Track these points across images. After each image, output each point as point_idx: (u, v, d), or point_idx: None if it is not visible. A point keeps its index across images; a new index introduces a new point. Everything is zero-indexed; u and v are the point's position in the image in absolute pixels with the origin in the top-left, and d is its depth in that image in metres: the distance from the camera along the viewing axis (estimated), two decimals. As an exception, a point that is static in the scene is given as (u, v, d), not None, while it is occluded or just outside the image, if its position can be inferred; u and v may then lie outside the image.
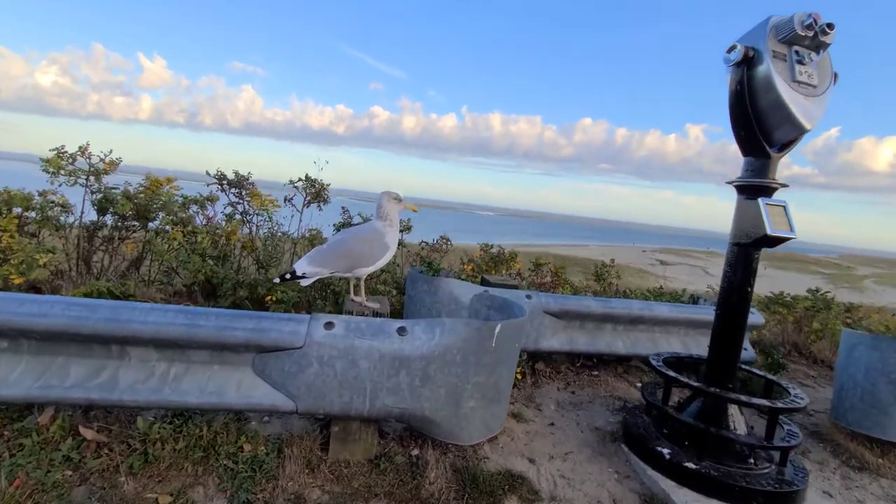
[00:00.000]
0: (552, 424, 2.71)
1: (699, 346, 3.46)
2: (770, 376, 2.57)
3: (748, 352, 3.55)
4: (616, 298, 3.39)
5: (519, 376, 3.10)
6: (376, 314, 2.23)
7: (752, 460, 2.21)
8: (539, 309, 3.13)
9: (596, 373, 3.52)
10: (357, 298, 2.34)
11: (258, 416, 2.27)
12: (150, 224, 3.58)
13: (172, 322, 1.78)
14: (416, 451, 2.21)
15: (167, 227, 3.40)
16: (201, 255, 3.24)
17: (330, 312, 2.98)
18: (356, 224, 3.80)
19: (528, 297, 3.16)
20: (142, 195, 3.31)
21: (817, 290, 4.59)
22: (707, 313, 3.44)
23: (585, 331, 3.33)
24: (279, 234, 4.10)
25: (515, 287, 3.27)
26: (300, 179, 4.35)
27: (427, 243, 4.41)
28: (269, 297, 2.92)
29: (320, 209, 4.48)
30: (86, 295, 2.83)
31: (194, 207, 3.70)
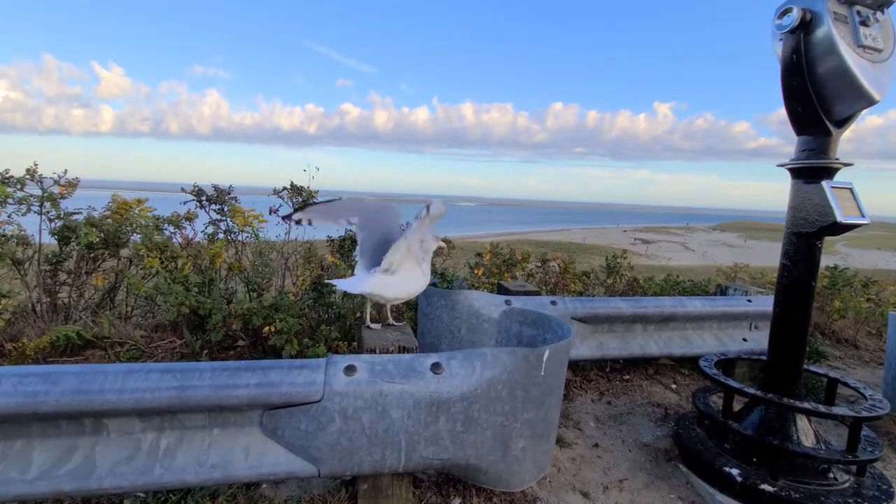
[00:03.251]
0: (596, 446, 2.44)
1: (732, 339, 3.24)
2: (833, 374, 2.34)
3: (784, 341, 3.34)
4: (646, 297, 3.15)
5: (550, 391, 2.83)
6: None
7: (831, 475, 1.98)
8: (566, 315, 2.85)
9: (627, 377, 3.27)
10: (374, 325, 2.09)
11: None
12: (123, 250, 3.18)
13: (157, 387, 1.43)
14: (457, 501, 1.91)
15: (142, 254, 3.00)
16: (183, 284, 2.85)
17: (337, 340, 2.66)
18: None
19: (553, 303, 2.88)
20: (109, 220, 2.90)
21: (835, 267, 4.43)
22: (739, 304, 3.22)
23: (615, 334, 3.07)
24: (270, 251, 3.73)
25: (538, 293, 2.98)
26: (285, 188, 3.97)
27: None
28: (266, 328, 2.56)
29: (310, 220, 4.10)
30: (52, 344, 2.44)
31: (171, 228, 3.29)
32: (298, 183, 4.06)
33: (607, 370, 3.27)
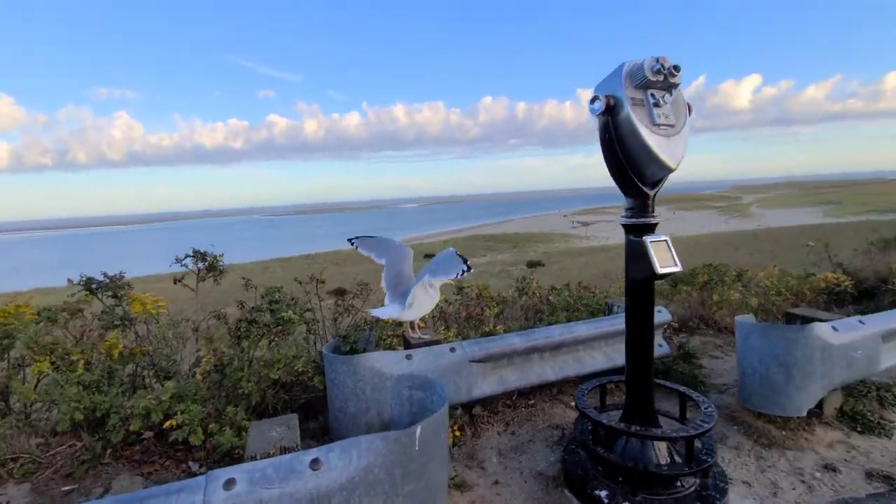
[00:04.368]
0: (496, 483, 2.69)
1: (620, 355, 3.56)
2: (682, 389, 2.73)
3: (663, 348, 3.78)
4: (537, 329, 3.43)
5: (457, 433, 3.05)
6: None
7: (679, 483, 2.33)
8: (465, 360, 3.09)
9: (532, 401, 3.57)
10: (413, 333, 3.16)
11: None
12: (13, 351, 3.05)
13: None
14: (359, 572, 2.07)
15: (29, 358, 2.90)
16: (78, 383, 2.80)
17: (244, 420, 2.74)
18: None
19: (453, 349, 3.10)
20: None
21: (710, 265, 5.02)
22: (621, 322, 3.60)
23: (515, 366, 3.34)
24: (179, 323, 3.70)
25: (438, 342, 3.19)
26: (187, 256, 3.95)
27: (341, 301, 4.19)
28: (167, 424, 2.59)
29: (217, 282, 4.10)
30: (-73, 481, 2.33)
31: (65, 315, 3.19)
32: (202, 249, 4.06)
33: (514, 398, 3.56)
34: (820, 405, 3.15)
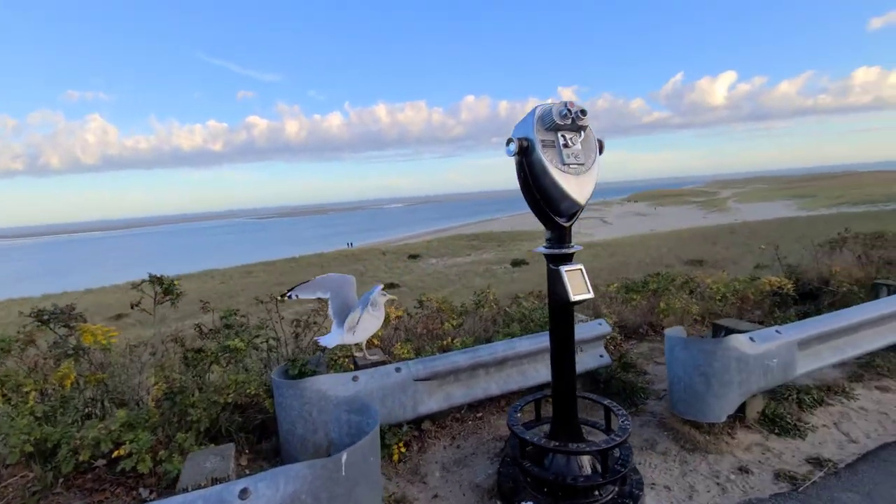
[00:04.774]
0: (436, 497, 2.85)
1: (562, 366, 3.82)
2: (606, 402, 2.92)
3: (604, 358, 3.99)
4: (482, 346, 3.61)
5: (403, 449, 3.20)
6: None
7: (596, 492, 2.53)
8: (410, 379, 3.24)
9: (480, 414, 3.75)
10: (360, 354, 3.43)
11: None
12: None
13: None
14: (294, 590, 2.21)
15: (-21, 391, 2.97)
16: (31, 414, 2.88)
17: (193, 446, 2.85)
18: None
19: (398, 369, 3.25)
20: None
21: (658, 273, 5.27)
22: (562, 336, 3.80)
23: (461, 382, 3.51)
24: (136, 348, 3.78)
25: (384, 363, 3.35)
26: (143, 281, 4.03)
27: (299, 321, 4.31)
28: (116, 452, 2.69)
29: (174, 305, 4.19)
30: None
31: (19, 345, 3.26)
32: (157, 274, 4.13)
33: (463, 411, 3.73)
34: (743, 409, 3.39)
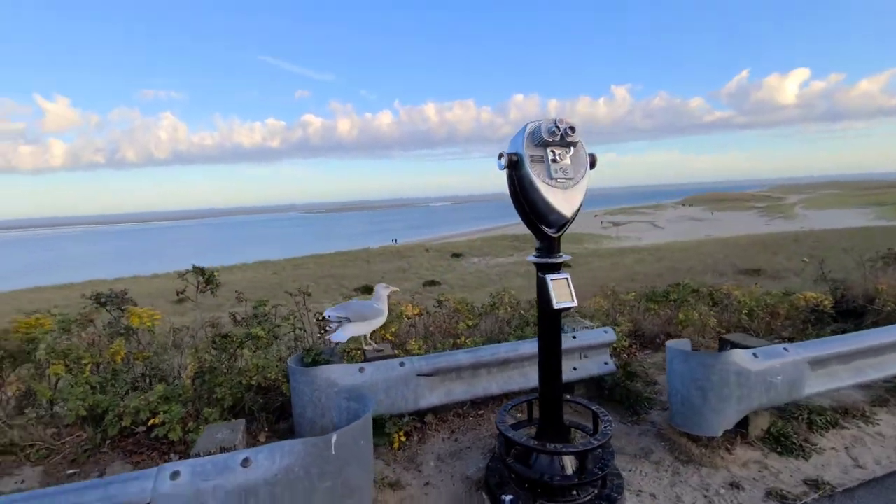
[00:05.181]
0: (427, 484, 3.06)
1: (564, 369, 3.90)
2: (595, 408, 3.00)
3: (609, 366, 4.03)
4: (484, 346, 3.77)
5: (403, 438, 3.43)
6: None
7: (574, 492, 2.64)
8: (413, 374, 3.47)
9: (482, 411, 3.91)
10: (367, 347, 3.69)
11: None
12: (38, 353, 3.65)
13: (18, 513, 1.97)
14: (289, 552, 2.49)
15: (49, 361, 3.48)
16: (86, 383, 3.36)
17: (216, 420, 3.22)
18: None
19: (402, 364, 3.49)
20: (10, 337, 3.38)
21: (678, 284, 5.19)
22: (565, 341, 3.88)
23: (463, 380, 3.70)
24: (178, 332, 4.25)
25: (391, 357, 3.59)
26: (187, 271, 4.49)
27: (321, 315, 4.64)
28: (152, 421, 3.10)
29: (214, 294, 4.63)
30: (-37, 460, 2.92)
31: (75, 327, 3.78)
32: (200, 265, 4.59)
33: (465, 408, 3.91)
34: (746, 425, 3.35)
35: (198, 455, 2.39)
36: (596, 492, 2.68)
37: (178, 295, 4.47)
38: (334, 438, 2.35)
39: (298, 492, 2.28)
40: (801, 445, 3.28)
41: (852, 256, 7.32)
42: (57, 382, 3.58)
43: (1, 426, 3.34)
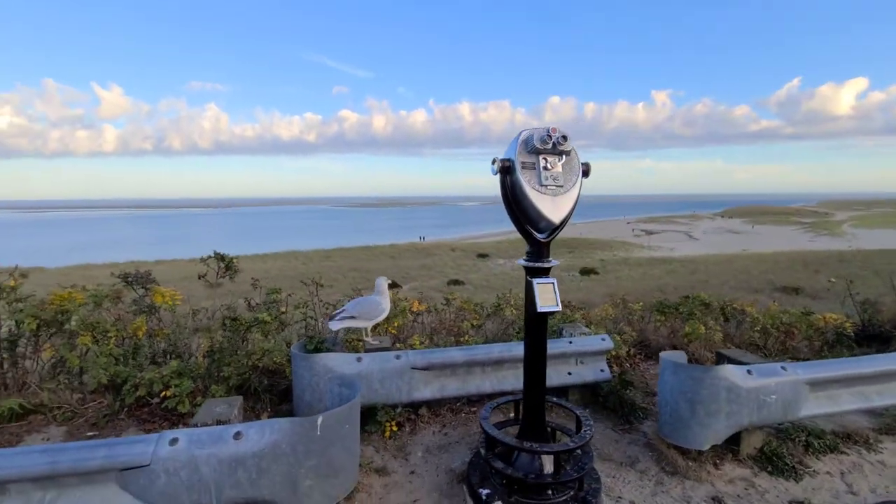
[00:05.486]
0: (413, 473, 3.19)
1: (558, 374, 3.96)
2: (578, 412, 3.05)
3: (604, 373, 4.05)
4: (479, 345, 3.86)
5: (395, 428, 3.57)
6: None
7: (549, 492, 2.71)
8: (407, 367, 3.60)
9: (475, 408, 4.01)
10: (367, 339, 3.86)
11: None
12: (69, 324, 3.99)
13: (36, 463, 2.22)
14: (275, 523, 2.66)
15: (79, 332, 3.81)
16: (109, 354, 3.66)
17: (221, 395, 3.44)
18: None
19: (398, 357, 3.63)
20: (46, 308, 3.72)
21: (687, 297, 5.12)
22: (561, 346, 3.94)
23: (457, 377, 3.81)
24: (196, 313, 4.54)
25: (388, 349, 3.74)
26: (209, 257, 4.77)
27: (333, 305, 4.84)
28: (164, 392, 3.36)
29: (232, 280, 4.90)
30: (-1, 415, 3.26)
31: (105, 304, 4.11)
32: (221, 252, 4.86)
33: (459, 404, 4.01)
34: (738, 442, 3.33)
35: (195, 426, 2.60)
36: (572, 493, 2.74)
37: (199, 278, 4.76)
38: (320, 420, 2.50)
39: (284, 466, 2.46)
40: (793, 467, 3.23)
41: (882, 279, 6.99)
42: (86, 352, 3.91)
43: (34, 388, 3.69)
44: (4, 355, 3.80)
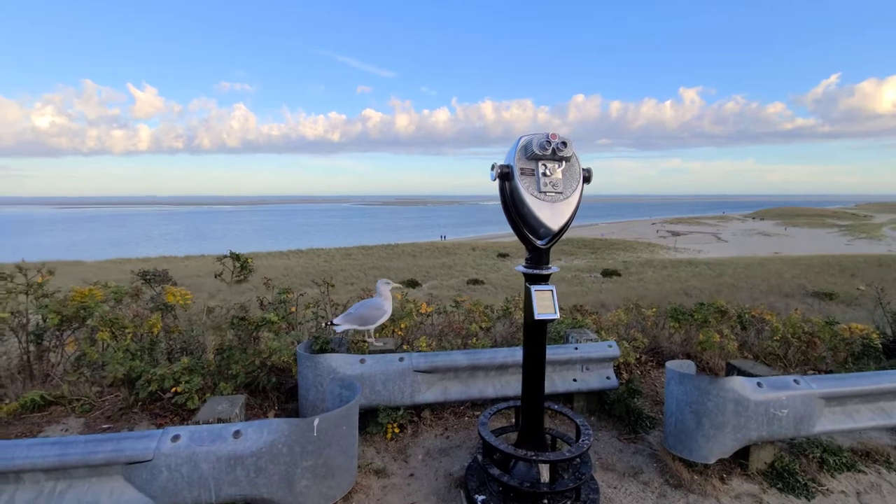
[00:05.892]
0: (411, 475, 3.21)
1: (563, 380, 3.92)
2: (579, 421, 3.01)
3: (611, 381, 3.98)
4: (484, 349, 3.85)
5: (397, 430, 3.60)
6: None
7: (546, 501, 2.68)
8: (410, 369, 3.63)
9: (478, 413, 4.00)
10: (370, 340, 3.92)
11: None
12: (90, 320, 4.17)
13: (48, 454, 2.33)
14: (274, 520, 2.72)
15: (98, 327, 3.97)
16: (126, 350, 3.80)
17: (229, 392, 3.54)
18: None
19: (401, 359, 3.65)
20: (68, 304, 3.89)
21: (702, 304, 4.98)
22: (566, 352, 3.89)
23: (460, 380, 3.81)
24: (209, 311, 4.67)
25: (392, 351, 3.77)
26: (225, 257, 4.90)
27: (344, 305, 4.91)
28: (174, 389, 3.47)
29: (246, 279, 5.02)
30: (22, 406, 3.43)
31: (125, 301, 4.27)
32: (237, 251, 4.99)
33: (462, 407, 4.01)
34: (747, 456, 3.23)
35: (198, 423, 2.68)
36: (569, 503, 2.71)
37: (215, 277, 4.90)
38: (316, 422, 2.55)
39: (281, 466, 2.51)
40: (805, 484, 3.11)
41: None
42: (106, 347, 4.07)
43: (56, 381, 3.86)
44: (31, 348, 4.00)
